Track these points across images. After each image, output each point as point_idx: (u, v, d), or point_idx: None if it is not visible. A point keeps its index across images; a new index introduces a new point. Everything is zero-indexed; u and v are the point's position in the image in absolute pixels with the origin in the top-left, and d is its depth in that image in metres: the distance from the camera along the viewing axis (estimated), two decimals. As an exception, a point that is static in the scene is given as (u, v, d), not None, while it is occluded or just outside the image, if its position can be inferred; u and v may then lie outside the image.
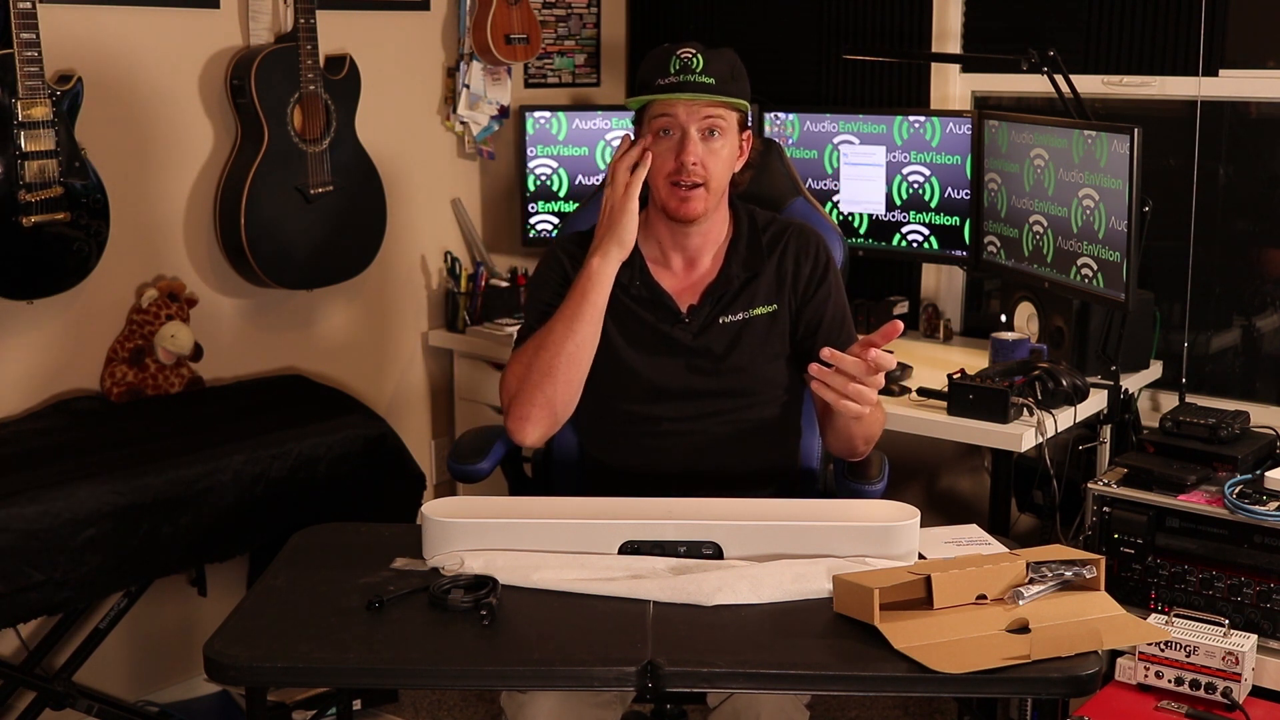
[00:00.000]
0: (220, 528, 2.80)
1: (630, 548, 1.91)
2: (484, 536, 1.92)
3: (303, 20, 3.17)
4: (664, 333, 2.31)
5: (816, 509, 2.04)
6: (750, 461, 2.33)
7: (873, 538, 1.90)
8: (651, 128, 2.24)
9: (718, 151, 2.23)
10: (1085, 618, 1.73)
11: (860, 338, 2.05)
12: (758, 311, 2.32)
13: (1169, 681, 2.51)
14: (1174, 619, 2.57)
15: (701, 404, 2.31)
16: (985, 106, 3.65)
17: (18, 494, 2.53)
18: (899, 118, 3.49)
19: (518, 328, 2.46)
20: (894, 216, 3.54)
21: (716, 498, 2.04)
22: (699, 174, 2.21)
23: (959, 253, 3.46)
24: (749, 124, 2.32)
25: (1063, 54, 3.19)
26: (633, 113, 2.31)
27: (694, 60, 2.20)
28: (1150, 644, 2.51)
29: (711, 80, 2.20)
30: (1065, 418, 2.88)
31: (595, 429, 2.40)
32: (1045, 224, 3.15)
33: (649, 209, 2.33)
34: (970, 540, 2.01)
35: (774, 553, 1.90)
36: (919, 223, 3.51)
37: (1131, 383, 3.18)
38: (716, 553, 1.91)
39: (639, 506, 2.00)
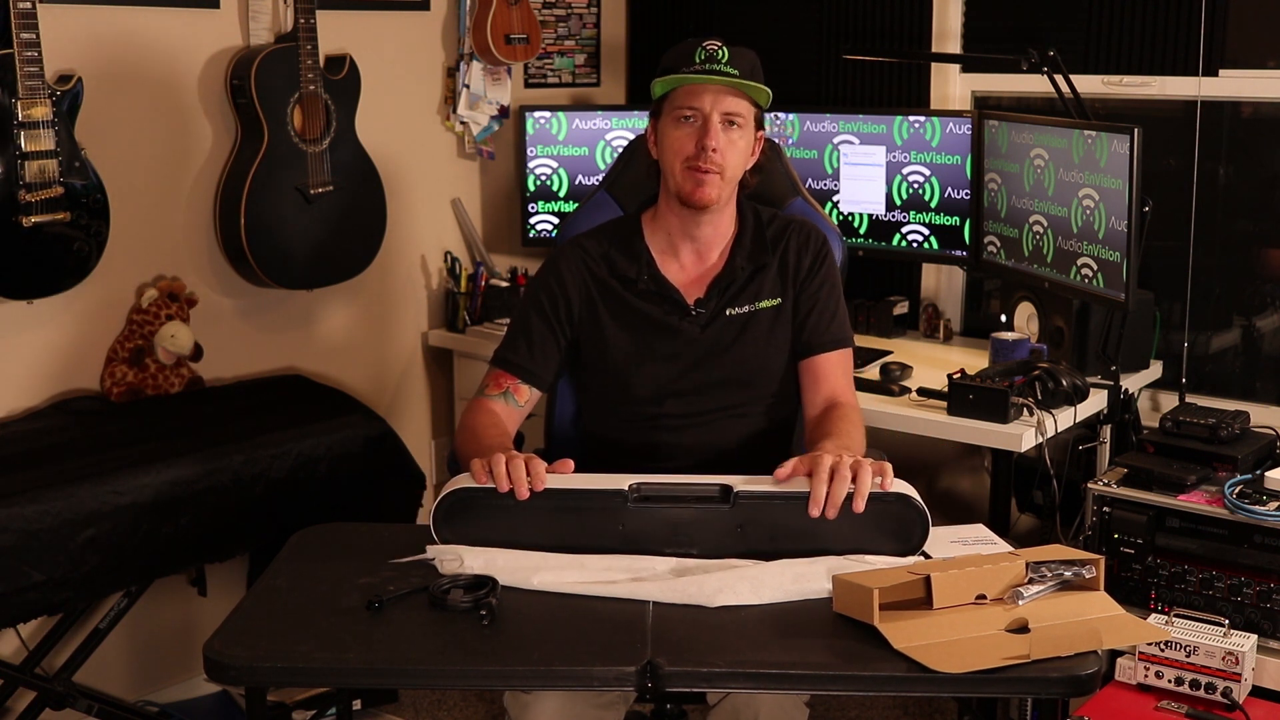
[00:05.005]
0: (220, 528, 2.80)
1: (637, 492, 1.90)
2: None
3: (303, 20, 3.17)
4: (671, 326, 2.33)
5: None
6: (752, 452, 2.33)
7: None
8: (673, 115, 2.27)
9: (735, 142, 2.27)
10: (1085, 618, 1.73)
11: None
12: (764, 305, 2.35)
13: (1169, 681, 2.51)
14: (1174, 619, 2.57)
15: (705, 398, 2.32)
16: (985, 106, 3.65)
17: (18, 494, 2.53)
18: (899, 118, 3.49)
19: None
20: (894, 216, 3.54)
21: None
22: (716, 161, 2.24)
23: (959, 253, 3.46)
24: (763, 125, 2.34)
25: (1063, 54, 3.19)
26: (651, 106, 2.33)
27: (720, 52, 2.24)
28: (1150, 644, 2.51)
29: (736, 72, 2.24)
30: (1065, 418, 2.88)
31: (599, 423, 2.41)
32: (1045, 224, 3.15)
33: (660, 200, 2.36)
34: (976, 540, 2.01)
35: (783, 489, 1.90)
36: (919, 223, 3.51)
37: (1131, 383, 3.18)
38: (725, 494, 1.90)
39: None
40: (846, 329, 2.40)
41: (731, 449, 2.33)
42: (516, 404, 2.33)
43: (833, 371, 2.35)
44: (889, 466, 1.92)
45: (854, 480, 1.87)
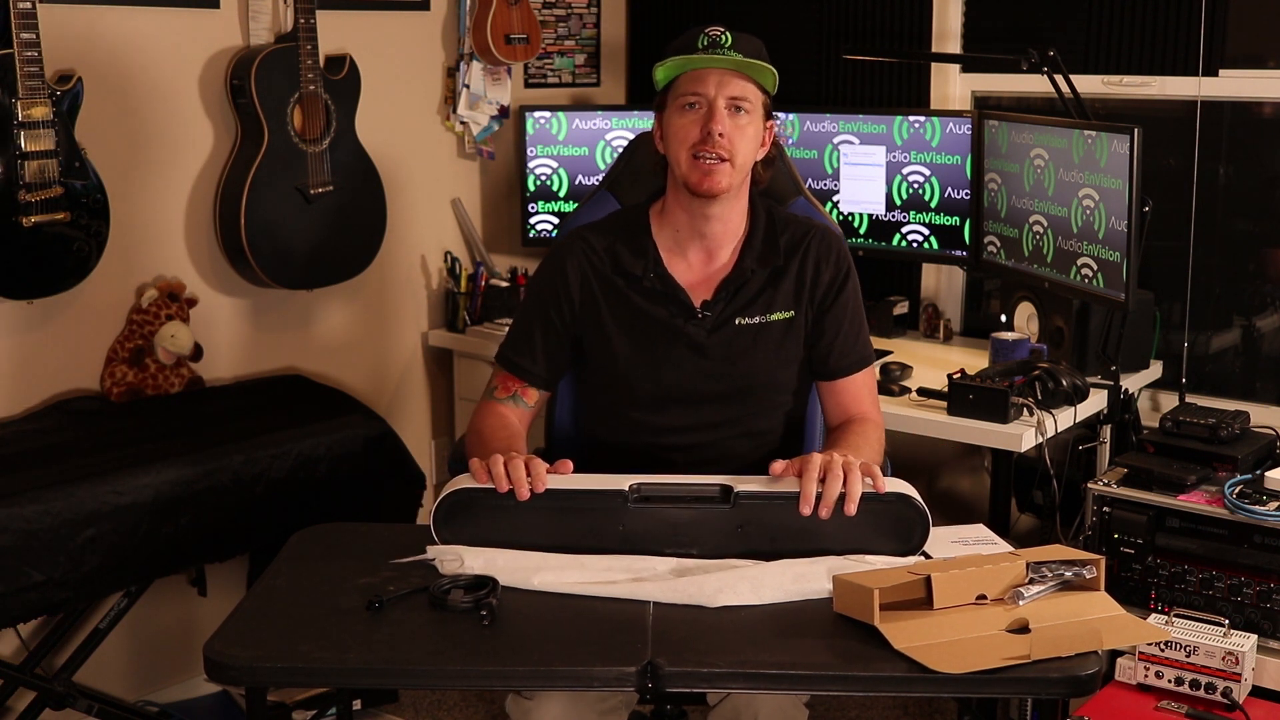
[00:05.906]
0: (220, 528, 2.80)
1: (637, 492, 1.90)
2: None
3: (303, 20, 3.17)
4: (676, 329, 2.26)
5: None
6: (757, 464, 2.31)
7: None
8: (677, 103, 2.20)
9: (743, 129, 2.18)
10: (1085, 618, 1.73)
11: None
12: (775, 317, 2.27)
13: (1169, 681, 2.51)
14: (1174, 619, 2.57)
15: (708, 409, 2.27)
16: (985, 106, 3.65)
17: (18, 494, 2.53)
18: (899, 118, 3.49)
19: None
20: (894, 216, 3.54)
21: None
22: (724, 147, 2.15)
23: (959, 253, 3.46)
24: (772, 114, 2.26)
25: (1063, 54, 3.19)
26: (655, 100, 2.27)
27: (723, 37, 2.20)
28: (1150, 644, 2.51)
29: (739, 55, 2.18)
30: (1065, 418, 2.88)
31: (600, 425, 2.38)
32: (1045, 224, 3.15)
33: (668, 194, 2.28)
34: (976, 540, 2.01)
35: (783, 490, 1.90)
36: (919, 223, 3.51)
37: (1131, 383, 3.18)
38: (725, 494, 1.90)
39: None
40: (869, 345, 2.35)
41: (736, 460, 2.28)
42: (526, 406, 2.30)
43: (858, 391, 2.31)
44: (878, 469, 1.92)
45: (844, 482, 1.87)
